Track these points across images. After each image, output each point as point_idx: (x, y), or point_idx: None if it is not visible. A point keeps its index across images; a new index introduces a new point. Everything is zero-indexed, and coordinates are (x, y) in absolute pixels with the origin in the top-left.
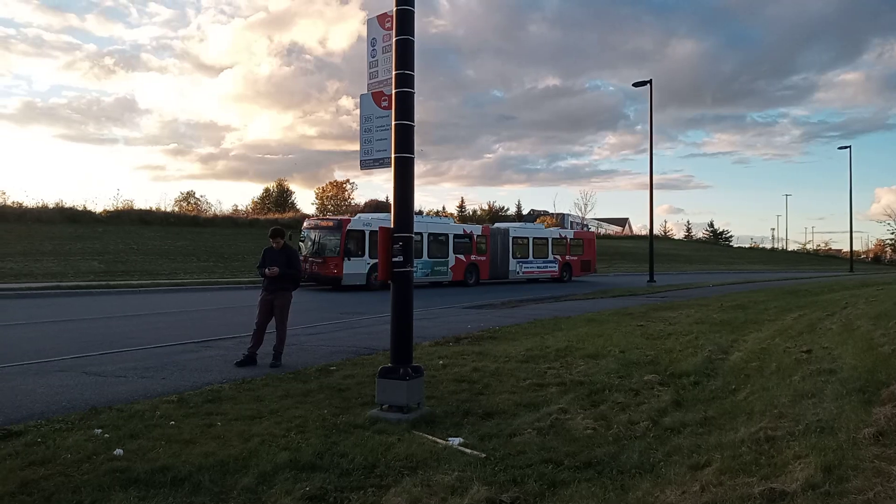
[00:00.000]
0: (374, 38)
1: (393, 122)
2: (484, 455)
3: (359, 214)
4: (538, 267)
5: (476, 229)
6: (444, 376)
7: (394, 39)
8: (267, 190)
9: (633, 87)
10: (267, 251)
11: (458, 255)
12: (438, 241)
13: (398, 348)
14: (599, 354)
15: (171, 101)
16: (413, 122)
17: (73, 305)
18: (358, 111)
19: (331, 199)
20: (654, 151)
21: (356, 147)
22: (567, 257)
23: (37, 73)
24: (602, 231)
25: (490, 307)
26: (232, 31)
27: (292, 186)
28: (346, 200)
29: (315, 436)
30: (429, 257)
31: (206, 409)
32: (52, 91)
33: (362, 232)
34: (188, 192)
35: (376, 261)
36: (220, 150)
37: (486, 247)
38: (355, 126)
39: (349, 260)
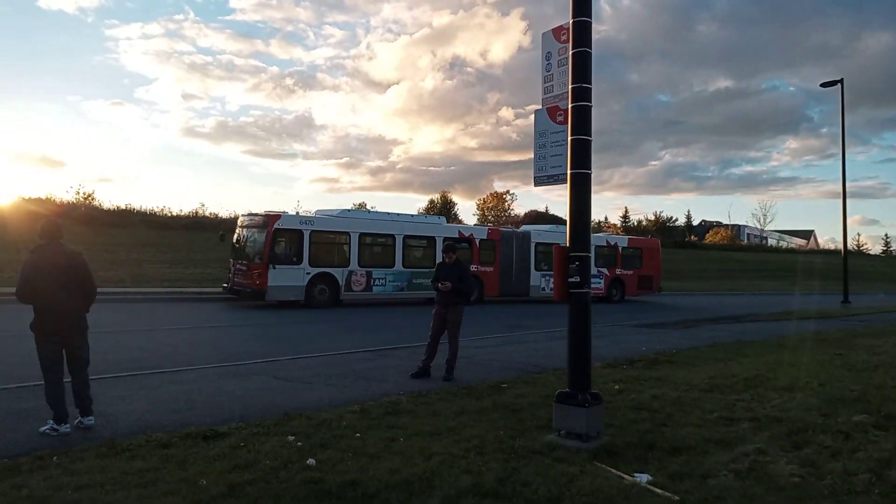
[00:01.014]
0: (548, 52)
1: (569, 137)
2: (678, 498)
3: (318, 211)
4: None
5: (479, 232)
6: (621, 403)
7: (570, 52)
8: (431, 201)
9: (821, 88)
10: (440, 265)
11: None
12: (419, 246)
13: (576, 373)
14: (795, 387)
15: (344, 117)
16: (590, 136)
17: (272, 312)
18: (518, 122)
19: (491, 209)
20: (845, 156)
21: (515, 157)
22: (618, 271)
23: (229, 95)
24: (784, 244)
25: (661, 326)
26: (398, 48)
27: (454, 198)
28: (505, 211)
29: (494, 459)
30: (405, 266)
31: (386, 421)
32: (241, 111)
33: (299, 232)
34: (360, 204)
35: (322, 270)
36: (388, 163)
37: (495, 255)
38: (515, 136)
39: (274, 268)
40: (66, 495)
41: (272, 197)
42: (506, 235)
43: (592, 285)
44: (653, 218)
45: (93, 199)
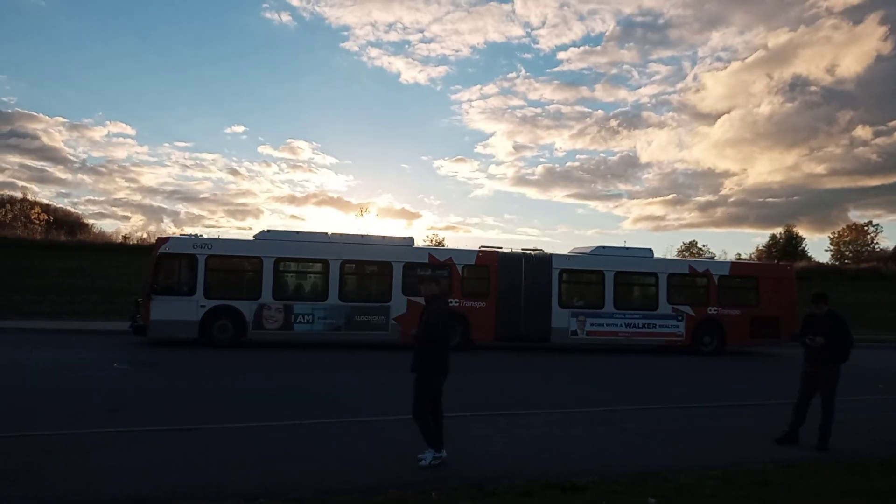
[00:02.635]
0: None
1: None
2: None
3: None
4: (630, 324)
5: (463, 256)
6: None
7: None
8: (773, 237)
9: None
10: (807, 317)
11: (413, 298)
12: (367, 274)
13: None
14: None
15: (670, 153)
16: None
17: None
18: (878, 140)
19: (848, 244)
20: None
21: (876, 182)
22: (711, 310)
23: (556, 142)
24: None
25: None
26: (728, 75)
27: (800, 231)
28: (867, 245)
29: None
30: (343, 300)
31: (755, 494)
32: (567, 156)
33: (191, 258)
34: (690, 242)
35: (220, 302)
36: (719, 197)
37: (490, 285)
38: (875, 158)
39: (156, 299)
40: None
41: (596, 238)
42: (507, 260)
43: (662, 329)
44: None
45: (443, 244)
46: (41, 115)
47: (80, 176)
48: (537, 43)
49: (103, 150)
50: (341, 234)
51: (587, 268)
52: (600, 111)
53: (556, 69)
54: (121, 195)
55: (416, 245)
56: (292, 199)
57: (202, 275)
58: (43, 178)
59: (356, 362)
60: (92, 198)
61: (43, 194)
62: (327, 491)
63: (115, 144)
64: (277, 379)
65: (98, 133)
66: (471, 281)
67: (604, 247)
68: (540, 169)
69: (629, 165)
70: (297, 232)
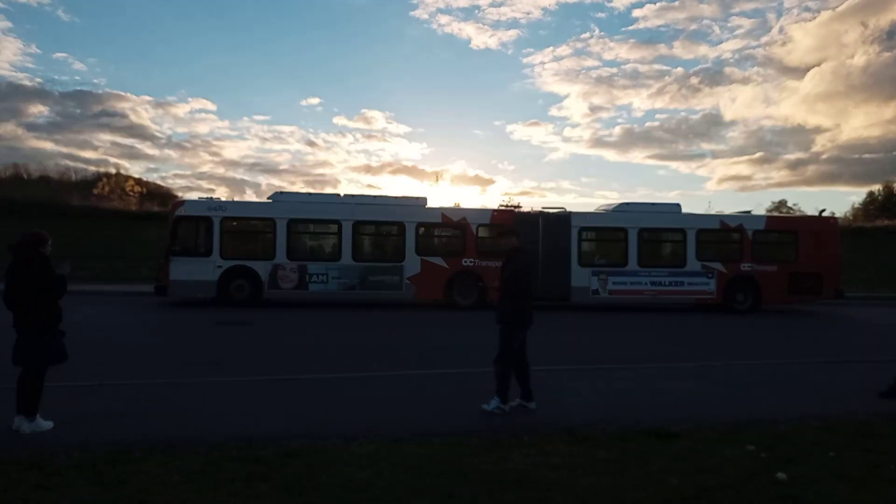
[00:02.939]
0: None
1: None
2: None
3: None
4: (656, 282)
5: (478, 216)
6: None
7: None
8: (871, 194)
9: None
10: None
11: (427, 258)
12: (380, 234)
13: None
14: None
15: (756, 109)
16: None
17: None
18: None
19: None
20: None
21: None
22: (745, 266)
23: (634, 102)
24: None
25: None
26: (817, 26)
27: None
28: None
29: None
30: (356, 260)
31: (860, 443)
32: (645, 117)
33: (207, 220)
34: (780, 202)
35: (236, 262)
36: (810, 155)
37: None
38: None
39: (175, 261)
40: (545, 473)
41: (679, 199)
42: (524, 219)
43: (692, 286)
44: None
45: (519, 207)
46: (129, 94)
47: (166, 151)
48: (611, 1)
49: (187, 125)
50: (353, 195)
51: (609, 225)
52: (680, 69)
53: (631, 27)
54: (205, 169)
55: (428, 205)
56: (368, 169)
57: (217, 236)
58: (133, 155)
59: (441, 321)
60: (178, 172)
61: (133, 170)
62: (422, 433)
63: (197, 120)
64: (363, 336)
65: (182, 110)
66: (486, 240)
67: (628, 203)
68: (617, 130)
69: (712, 124)
70: (310, 193)
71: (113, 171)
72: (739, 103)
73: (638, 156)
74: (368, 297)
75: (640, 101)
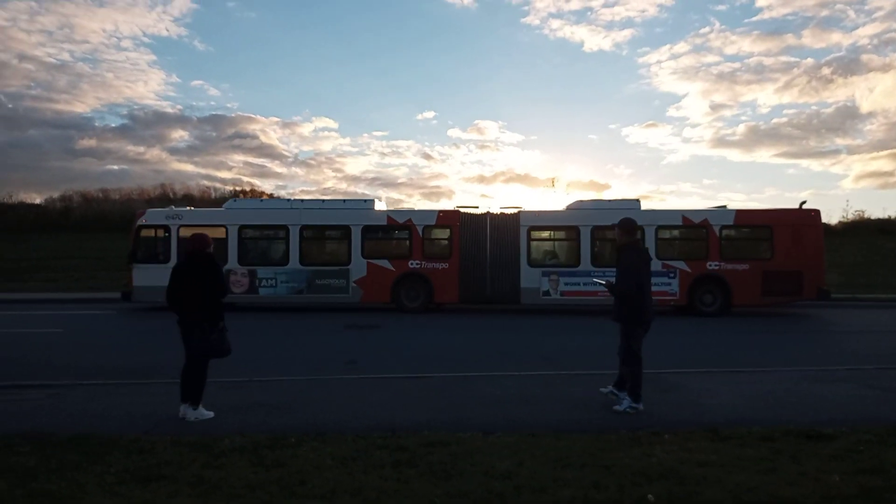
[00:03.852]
0: None
1: None
2: None
3: (173, 208)
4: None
5: (423, 217)
6: None
7: None
8: None
9: None
10: None
11: (373, 261)
12: (326, 238)
13: None
14: None
15: None
16: None
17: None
18: None
19: None
20: None
21: None
22: (711, 265)
23: (759, 98)
24: None
25: None
26: None
27: None
28: None
29: None
30: (303, 264)
31: None
32: (772, 112)
33: (165, 228)
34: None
35: None
36: None
37: (452, 245)
38: None
39: (137, 268)
40: (692, 469)
41: (812, 199)
42: (470, 219)
43: (653, 288)
44: None
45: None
46: (259, 116)
47: (293, 169)
48: None
49: (311, 144)
50: (303, 200)
51: (560, 223)
52: (809, 59)
53: (754, 18)
54: (329, 184)
55: (376, 207)
56: (481, 179)
57: (175, 243)
58: (263, 173)
59: (560, 326)
60: (304, 188)
61: (264, 187)
62: (556, 428)
63: (321, 138)
64: (484, 337)
65: (306, 129)
66: (432, 242)
67: (582, 201)
68: (741, 128)
69: (847, 117)
70: (262, 199)
71: (248, 188)
72: (878, 93)
73: (764, 154)
74: (315, 301)
75: (765, 96)
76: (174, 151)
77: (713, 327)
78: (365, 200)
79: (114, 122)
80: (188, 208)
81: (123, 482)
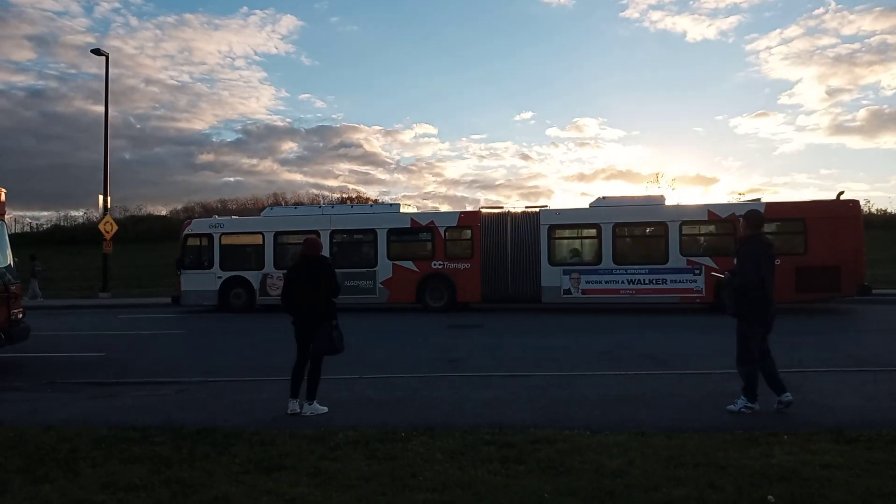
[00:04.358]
0: None
1: None
2: None
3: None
4: (634, 280)
5: (445, 218)
6: None
7: None
8: None
9: None
10: None
11: (398, 263)
12: (354, 242)
13: None
14: None
15: None
16: None
17: None
18: None
19: None
20: None
21: None
22: None
23: (882, 80)
24: None
25: None
26: None
27: None
28: None
29: None
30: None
31: None
32: None
33: (209, 236)
34: None
35: (233, 274)
36: None
37: (474, 246)
38: None
39: (185, 274)
40: (815, 471)
41: None
42: (491, 219)
43: (674, 285)
44: None
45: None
46: (362, 125)
47: (395, 175)
48: None
49: (412, 150)
50: (333, 206)
51: (581, 221)
52: None
53: None
54: (429, 189)
55: (401, 210)
56: (581, 177)
57: (217, 250)
58: (367, 181)
59: (659, 324)
60: (406, 193)
61: (368, 193)
62: (668, 428)
63: (421, 144)
64: (586, 339)
65: (407, 136)
66: (454, 243)
67: (605, 197)
68: (862, 113)
69: None
70: (296, 206)
71: (353, 195)
72: None
73: (889, 140)
74: (344, 302)
75: (889, 77)
76: (284, 162)
77: (817, 324)
78: (391, 204)
79: (229, 137)
80: (231, 217)
81: (248, 472)
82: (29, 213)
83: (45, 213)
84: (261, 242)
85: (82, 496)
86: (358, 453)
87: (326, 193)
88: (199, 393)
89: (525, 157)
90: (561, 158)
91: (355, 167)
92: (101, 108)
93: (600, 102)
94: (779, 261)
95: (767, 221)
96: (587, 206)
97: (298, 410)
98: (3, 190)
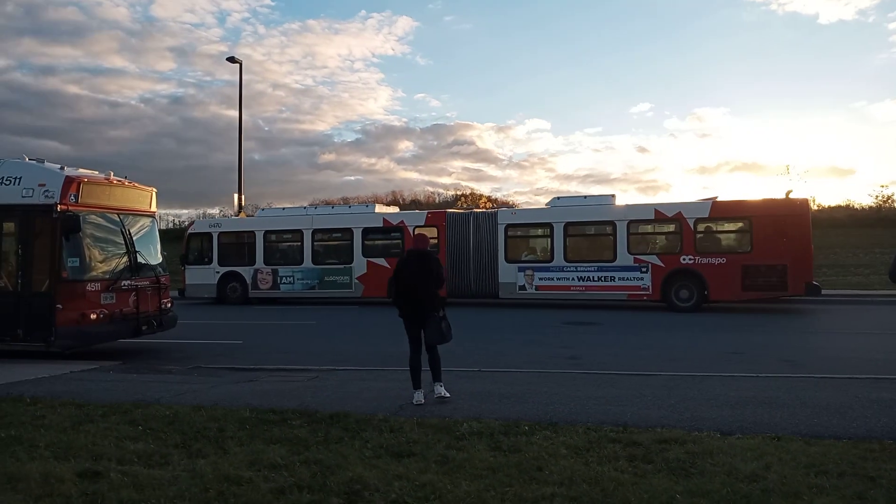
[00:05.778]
0: None
1: None
2: None
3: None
4: (584, 277)
5: (412, 217)
6: None
7: None
8: None
9: None
10: None
11: (372, 259)
12: (333, 241)
13: None
14: None
15: None
16: None
17: None
18: None
19: None
20: None
21: None
22: (685, 259)
23: None
24: None
25: None
26: None
27: None
28: None
29: None
30: (314, 263)
31: None
32: None
33: (208, 235)
34: None
35: (229, 269)
36: None
37: (439, 244)
38: None
39: (188, 269)
40: None
41: None
42: (455, 218)
43: (621, 283)
44: None
45: (893, 200)
46: (475, 123)
47: (507, 171)
48: None
49: (525, 146)
50: (316, 207)
51: (534, 221)
52: None
53: None
54: (541, 184)
55: (375, 210)
56: (703, 170)
57: (216, 247)
58: (480, 177)
59: (797, 326)
60: (518, 189)
61: (481, 190)
62: (806, 434)
63: (533, 140)
64: (710, 338)
65: (520, 132)
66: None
67: (559, 198)
68: None
69: None
70: (284, 208)
71: (467, 192)
72: None
73: None
74: (324, 295)
75: None
76: (401, 161)
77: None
78: (366, 205)
79: (349, 137)
80: (229, 217)
81: (379, 456)
82: (171, 212)
83: (185, 211)
84: (253, 240)
85: (232, 472)
86: (483, 444)
87: (441, 191)
88: (329, 380)
89: (642, 149)
90: (680, 151)
91: (468, 164)
92: (234, 113)
93: (723, 92)
94: None
95: (714, 220)
96: (544, 206)
97: (423, 401)
98: (153, 190)
